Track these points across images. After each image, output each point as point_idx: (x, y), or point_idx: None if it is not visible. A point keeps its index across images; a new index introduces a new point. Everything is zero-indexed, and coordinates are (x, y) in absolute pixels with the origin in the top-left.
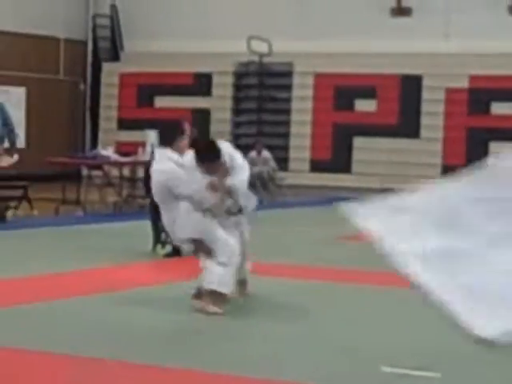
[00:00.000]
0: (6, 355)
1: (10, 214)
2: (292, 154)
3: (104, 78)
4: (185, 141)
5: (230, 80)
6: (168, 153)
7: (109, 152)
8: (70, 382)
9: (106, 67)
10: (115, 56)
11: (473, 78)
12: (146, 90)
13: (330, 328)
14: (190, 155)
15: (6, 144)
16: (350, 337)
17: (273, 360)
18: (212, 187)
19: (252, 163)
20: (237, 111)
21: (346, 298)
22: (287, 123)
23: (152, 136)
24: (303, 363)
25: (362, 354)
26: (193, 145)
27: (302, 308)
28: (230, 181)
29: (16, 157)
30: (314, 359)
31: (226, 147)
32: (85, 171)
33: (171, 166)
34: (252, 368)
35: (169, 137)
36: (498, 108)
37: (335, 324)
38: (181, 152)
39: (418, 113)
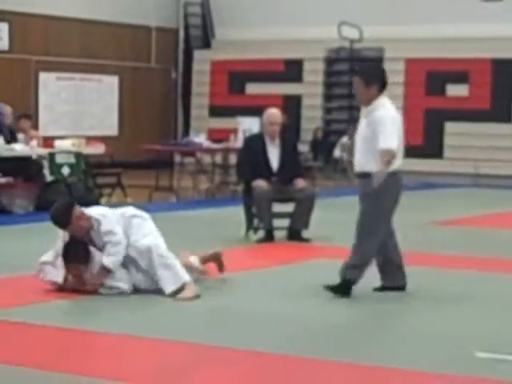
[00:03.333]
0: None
1: (104, 201)
2: None
3: (195, 66)
4: None
5: (320, 66)
6: None
7: (201, 139)
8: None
9: (198, 55)
10: (206, 43)
11: None
12: (237, 77)
13: (426, 314)
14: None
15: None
16: (446, 322)
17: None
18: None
19: (343, 149)
20: (328, 97)
21: (442, 284)
22: None
23: (244, 123)
24: (402, 349)
25: (458, 339)
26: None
27: (399, 294)
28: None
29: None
30: (411, 345)
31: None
32: (177, 158)
33: None
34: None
35: None
36: None
37: (432, 309)
38: None
39: (510, 97)
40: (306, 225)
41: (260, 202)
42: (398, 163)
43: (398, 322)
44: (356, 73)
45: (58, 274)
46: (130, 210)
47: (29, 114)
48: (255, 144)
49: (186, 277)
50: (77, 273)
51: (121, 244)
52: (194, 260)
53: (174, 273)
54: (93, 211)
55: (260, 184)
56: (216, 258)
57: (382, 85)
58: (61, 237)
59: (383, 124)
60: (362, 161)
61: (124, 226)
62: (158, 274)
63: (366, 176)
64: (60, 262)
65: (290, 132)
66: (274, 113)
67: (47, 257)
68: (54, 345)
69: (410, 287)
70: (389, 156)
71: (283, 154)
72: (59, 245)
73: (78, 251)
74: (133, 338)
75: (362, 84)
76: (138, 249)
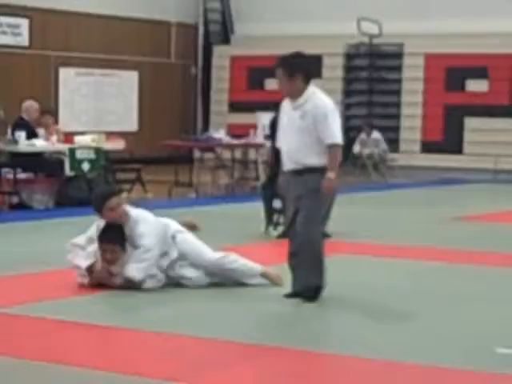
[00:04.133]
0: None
1: (124, 196)
2: (403, 135)
3: (215, 61)
4: None
5: (340, 62)
6: None
7: (220, 134)
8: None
9: (217, 50)
10: (226, 39)
11: None
12: (256, 72)
13: (445, 309)
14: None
15: None
16: (465, 318)
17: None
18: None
19: (363, 145)
20: (347, 93)
21: (462, 279)
22: (398, 104)
23: (263, 118)
24: (421, 346)
25: (477, 335)
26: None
27: (418, 289)
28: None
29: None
30: (428, 340)
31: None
32: (197, 154)
33: None
34: (368, 349)
35: None
36: None
37: (451, 305)
38: None
39: None
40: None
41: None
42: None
43: (417, 319)
44: (278, 64)
45: (85, 260)
46: (175, 225)
47: (52, 109)
48: None
49: (256, 267)
50: (111, 257)
51: (151, 251)
52: None
53: (248, 268)
54: (135, 211)
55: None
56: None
57: (306, 75)
58: (96, 222)
59: (326, 117)
60: (300, 156)
61: (163, 236)
62: (244, 281)
63: (310, 171)
64: (91, 248)
65: None
66: None
67: (79, 240)
68: (79, 341)
69: (430, 283)
70: (339, 150)
71: None
72: (92, 230)
73: (115, 233)
74: (160, 334)
75: (286, 76)
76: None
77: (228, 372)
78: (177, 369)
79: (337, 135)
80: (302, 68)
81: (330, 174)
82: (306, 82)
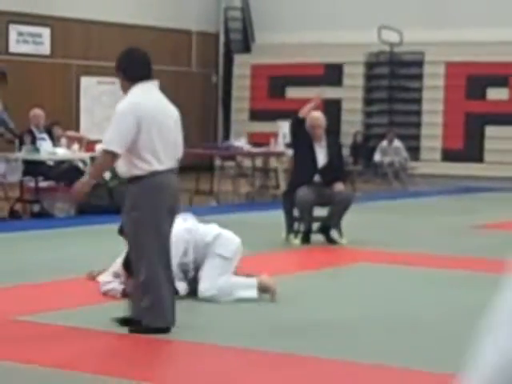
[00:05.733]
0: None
1: None
2: (423, 143)
3: (236, 70)
4: None
5: (360, 70)
6: None
7: (241, 143)
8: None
9: (238, 59)
10: (247, 48)
11: None
12: (277, 81)
13: (469, 317)
14: None
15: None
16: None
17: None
18: None
19: (383, 153)
20: (368, 101)
21: (484, 288)
22: (418, 113)
23: (284, 127)
24: (444, 351)
25: None
26: None
27: (441, 297)
28: None
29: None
30: (451, 348)
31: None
32: (218, 162)
33: None
34: (391, 357)
35: None
36: None
37: (475, 314)
38: None
39: None
40: (335, 225)
41: (302, 205)
42: (167, 164)
43: (439, 327)
44: None
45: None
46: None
47: (58, 121)
48: (303, 136)
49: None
50: None
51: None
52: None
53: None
54: None
55: (303, 189)
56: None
57: (125, 73)
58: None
59: (113, 119)
60: (119, 165)
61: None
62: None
63: (131, 181)
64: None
65: (334, 135)
66: (317, 116)
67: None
68: (99, 348)
69: (450, 291)
70: (107, 158)
71: (329, 155)
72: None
73: None
74: (180, 342)
75: (116, 74)
76: None
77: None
78: (194, 379)
79: (108, 140)
80: (121, 66)
81: (85, 179)
82: (129, 80)
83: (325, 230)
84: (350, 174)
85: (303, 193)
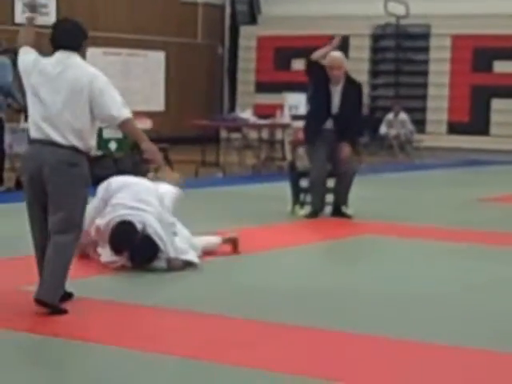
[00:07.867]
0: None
1: (150, 176)
2: (429, 116)
3: (242, 42)
4: None
5: (367, 42)
6: None
7: (247, 114)
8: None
9: (244, 31)
10: (253, 19)
11: None
12: (283, 52)
13: (479, 291)
14: None
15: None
16: (492, 300)
17: (431, 323)
18: None
19: (389, 125)
20: (374, 73)
21: (491, 261)
22: (424, 85)
23: (290, 98)
24: (461, 325)
25: (505, 317)
26: None
27: (445, 271)
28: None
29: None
30: (471, 321)
31: None
32: (224, 134)
33: None
34: (404, 330)
35: None
36: None
37: (484, 287)
38: None
39: None
40: (344, 201)
41: (315, 184)
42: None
43: (443, 300)
44: None
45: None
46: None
47: None
48: (319, 79)
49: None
50: None
51: None
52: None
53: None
54: None
55: (318, 165)
56: (233, 241)
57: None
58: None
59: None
60: None
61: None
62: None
63: None
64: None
65: (355, 81)
66: (337, 57)
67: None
68: (105, 319)
69: (456, 265)
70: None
71: (344, 100)
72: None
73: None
74: (181, 312)
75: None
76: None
77: (252, 351)
78: (200, 347)
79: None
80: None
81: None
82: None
83: (336, 211)
84: (367, 122)
85: (318, 172)
